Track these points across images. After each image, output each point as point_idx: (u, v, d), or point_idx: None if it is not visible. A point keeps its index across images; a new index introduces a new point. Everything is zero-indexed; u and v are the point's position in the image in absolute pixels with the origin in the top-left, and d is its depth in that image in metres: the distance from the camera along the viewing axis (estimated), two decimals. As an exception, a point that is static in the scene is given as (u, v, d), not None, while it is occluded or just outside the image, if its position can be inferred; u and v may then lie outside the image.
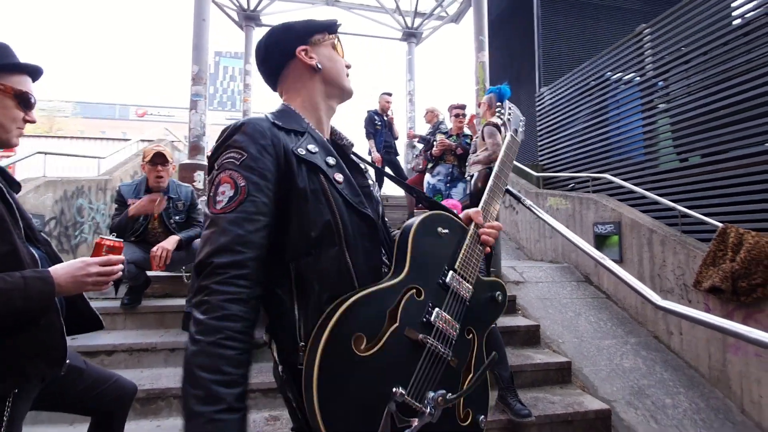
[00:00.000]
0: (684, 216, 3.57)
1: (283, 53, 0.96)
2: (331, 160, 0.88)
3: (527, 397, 2.60)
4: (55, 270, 1.04)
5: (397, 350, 0.77)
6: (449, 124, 4.60)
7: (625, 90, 5.12)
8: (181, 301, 2.97)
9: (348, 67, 1.02)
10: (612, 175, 4.81)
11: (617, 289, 3.93)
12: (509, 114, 1.31)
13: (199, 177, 3.65)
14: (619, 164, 5.01)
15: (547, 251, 5.32)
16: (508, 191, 3.80)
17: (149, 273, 2.91)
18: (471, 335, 0.91)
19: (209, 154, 0.91)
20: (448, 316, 0.85)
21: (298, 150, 0.83)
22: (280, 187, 0.80)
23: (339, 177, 0.87)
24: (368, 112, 5.68)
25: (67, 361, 1.27)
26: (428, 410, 0.75)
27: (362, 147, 5.80)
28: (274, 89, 1.02)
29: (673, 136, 4.41)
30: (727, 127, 3.67)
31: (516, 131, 1.27)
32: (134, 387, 1.55)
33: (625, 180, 4.55)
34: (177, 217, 2.95)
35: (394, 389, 0.73)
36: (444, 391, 0.78)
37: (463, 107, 4.24)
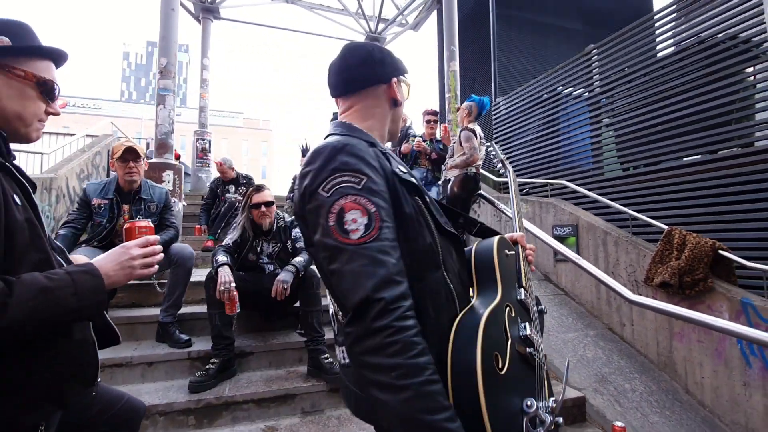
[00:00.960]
0: (633, 219, 3.98)
1: (379, 75, 0.93)
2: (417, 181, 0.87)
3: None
4: (98, 261, 0.93)
5: (518, 365, 0.80)
6: (419, 129, 4.73)
7: (574, 104, 5.59)
8: (153, 311, 2.76)
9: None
10: (564, 181, 5.22)
11: (574, 286, 4.28)
12: (496, 154, 1.91)
13: (168, 177, 3.39)
14: (570, 171, 5.45)
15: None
16: (481, 195, 3.99)
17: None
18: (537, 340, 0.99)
19: (300, 181, 0.80)
20: (534, 330, 0.90)
21: (397, 169, 0.80)
22: (394, 211, 0.76)
23: (427, 197, 0.86)
24: (332, 115, 5.64)
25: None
26: (549, 419, 0.76)
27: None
28: (338, 96, 0.97)
29: (617, 147, 4.90)
30: (664, 140, 4.17)
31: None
32: (144, 407, 1.42)
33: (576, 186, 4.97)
34: (149, 220, 2.74)
35: (528, 402, 0.75)
36: (554, 398, 0.85)
37: (435, 113, 4.38)
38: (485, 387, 0.67)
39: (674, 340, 3.19)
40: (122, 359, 2.38)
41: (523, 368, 0.82)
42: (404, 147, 4.32)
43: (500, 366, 0.74)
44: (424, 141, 4.37)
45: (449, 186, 3.72)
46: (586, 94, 5.34)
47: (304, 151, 4.81)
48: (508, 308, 0.89)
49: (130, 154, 2.56)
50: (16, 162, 1.01)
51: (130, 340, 2.62)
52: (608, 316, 3.81)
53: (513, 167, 6.74)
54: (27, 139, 1.00)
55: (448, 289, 0.81)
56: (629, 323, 3.59)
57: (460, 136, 3.68)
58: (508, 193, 5.84)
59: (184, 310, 2.80)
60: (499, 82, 7.94)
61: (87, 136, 5.08)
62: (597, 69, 5.08)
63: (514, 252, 1.06)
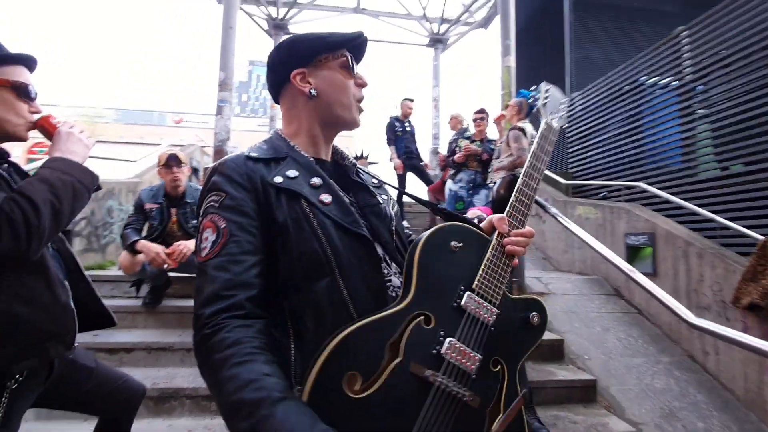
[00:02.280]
0: (723, 228, 3.34)
1: (281, 75, 0.88)
2: (316, 181, 0.81)
3: (547, 415, 2.47)
4: (54, 154, 1.06)
5: (401, 390, 0.66)
6: (474, 130, 4.53)
7: (661, 95, 4.88)
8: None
9: (361, 86, 0.91)
10: (647, 183, 4.57)
11: (649, 304, 3.71)
12: (546, 97, 1.10)
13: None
14: (654, 173, 4.76)
15: (575, 262, 5.11)
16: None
17: (171, 273, 2.98)
18: (499, 367, 0.76)
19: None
20: (463, 347, 0.72)
21: (275, 179, 0.78)
22: (263, 222, 0.76)
23: (326, 198, 0.80)
24: (390, 118, 5.68)
25: (76, 360, 1.29)
26: None
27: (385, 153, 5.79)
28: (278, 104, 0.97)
29: (714, 143, 4.15)
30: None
31: (553, 118, 1.04)
32: (143, 389, 1.53)
33: (660, 189, 4.32)
34: (194, 221, 3.01)
35: None
36: None
37: (482, 111, 4.16)
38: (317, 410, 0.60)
39: (766, 374, 2.59)
40: (166, 344, 2.64)
41: (416, 395, 0.67)
42: (457, 157, 4.17)
43: (357, 388, 0.64)
44: (473, 142, 4.17)
45: (495, 188, 3.50)
46: (675, 83, 4.62)
47: (356, 158, 4.90)
48: (420, 318, 0.74)
49: (173, 161, 2.84)
50: (15, 161, 1.16)
51: (177, 328, 2.90)
52: (689, 341, 3.22)
53: (589, 170, 6.12)
54: (19, 138, 1.12)
55: (339, 297, 0.74)
56: (713, 351, 3.00)
57: (508, 136, 3.44)
58: (581, 197, 5.31)
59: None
60: (575, 75, 7.25)
61: (171, 145, 5.81)
62: (688, 54, 4.38)
63: (463, 245, 0.81)
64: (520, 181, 0.92)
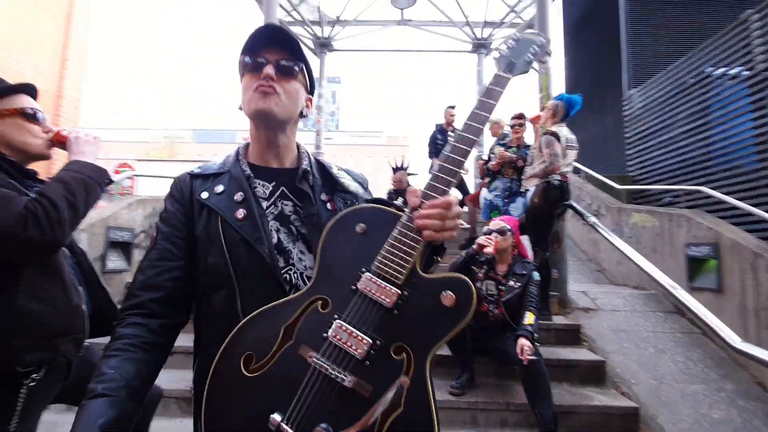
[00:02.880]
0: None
1: None
2: (238, 197, 0.86)
3: (576, 443, 2.29)
4: (69, 157, 1.25)
5: (288, 371, 0.70)
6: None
7: (730, 87, 4.34)
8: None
9: (264, 77, 0.86)
10: (714, 188, 4.08)
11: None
12: (511, 44, 0.92)
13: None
14: (723, 175, 4.23)
15: (631, 275, 4.68)
16: (570, 206, 3.45)
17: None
18: (403, 355, 0.70)
19: None
20: (352, 329, 0.71)
21: (201, 195, 0.87)
22: (189, 233, 0.86)
23: (240, 213, 0.84)
24: (434, 129, 5.58)
25: (95, 361, 1.45)
26: None
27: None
28: None
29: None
30: None
31: (512, 66, 0.88)
32: (160, 391, 1.68)
33: (728, 194, 3.83)
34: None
35: (272, 416, 0.68)
36: (325, 426, 0.66)
37: (519, 117, 3.99)
38: (209, 387, 0.71)
39: None
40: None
41: (297, 375, 0.70)
42: (491, 165, 4.04)
43: (250, 368, 0.70)
44: (509, 148, 4.01)
45: (528, 196, 3.34)
46: (746, 72, 4.09)
47: (395, 169, 4.89)
48: (318, 302, 0.75)
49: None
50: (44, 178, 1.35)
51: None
52: (758, 367, 2.81)
53: (650, 173, 5.58)
54: (43, 156, 1.30)
55: (234, 310, 0.80)
56: (790, 382, 2.58)
57: (540, 142, 3.28)
58: (640, 203, 4.89)
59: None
60: (632, 70, 6.66)
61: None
62: (759, 40, 3.86)
63: (368, 227, 0.79)
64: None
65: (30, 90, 1.27)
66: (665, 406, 2.65)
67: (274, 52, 0.88)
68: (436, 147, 5.44)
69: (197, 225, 0.85)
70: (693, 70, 4.88)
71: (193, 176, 0.91)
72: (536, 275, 2.63)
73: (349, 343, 0.70)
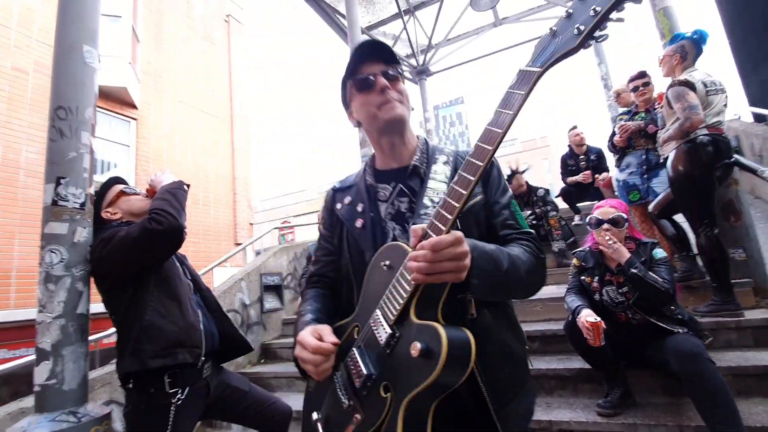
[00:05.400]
0: None
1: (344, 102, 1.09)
2: (360, 207, 1.00)
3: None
4: (161, 189, 1.62)
5: (327, 383, 0.86)
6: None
7: None
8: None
9: (381, 91, 0.94)
10: None
11: None
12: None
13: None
14: None
15: None
16: (735, 164, 2.65)
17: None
18: (388, 394, 0.72)
19: None
20: (357, 359, 0.79)
21: (336, 206, 1.07)
22: (336, 235, 1.07)
23: (359, 223, 0.98)
24: (561, 157, 4.97)
25: (231, 383, 1.74)
26: None
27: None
28: None
29: None
30: None
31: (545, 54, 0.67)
32: (289, 409, 1.89)
33: None
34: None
35: (313, 413, 0.87)
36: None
37: (642, 75, 3.30)
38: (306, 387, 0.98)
39: None
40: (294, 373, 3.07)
41: (328, 388, 0.86)
42: (616, 140, 3.43)
43: None
44: (635, 116, 3.35)
45: (669, 164, 2.70)
46: None
47: (509, 177, 4.54)
48: (356, 329, 0.87)
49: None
50: None
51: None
52: None
53: None
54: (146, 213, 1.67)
55: (351, 299, 0.97)
56: None
57: (667, 96, 2.67)
58: None
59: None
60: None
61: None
62: None
63: (390, 263, 0.81)
64: (456, 176, 0.72)
65: (118, 180, 1.72)
66: None
67: (374, 65, 0.97)
68: (567, 170, 4.82)
69: (335, 231, 1.06)
70: None
71: (335, 190, 1.12)
72: (659, 253, 2.08)
73: (353, 371, 0.79)
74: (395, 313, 0.75)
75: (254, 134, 18.35)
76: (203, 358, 1.59)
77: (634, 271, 2.02)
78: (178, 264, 1.70)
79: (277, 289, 4.31)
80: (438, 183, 0.93)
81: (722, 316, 2.45)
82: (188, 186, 1.68)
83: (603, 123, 6.34)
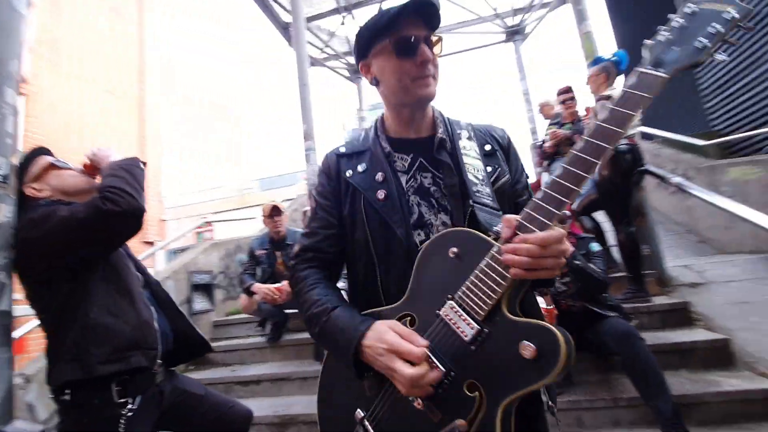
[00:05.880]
0: None
1: (358, 64, 0.97)
2: (379, 176, 0.91)
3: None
4: (105, 169, 1.37)
5: (372, 378, 0.78)
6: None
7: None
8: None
9: (421, 63, 0.85)
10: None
11: None
12: (678, 23, 0.68)
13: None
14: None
15: (744, 240, 4.03)
16: (647, 172, 3.08)
17: (287, 310, 3.30)
18: (476, 394, 0.67)
19: None
20: (429, 354, 0.71)
21: (347, 173, 0.95)
22: (340, 202, 0.95)
23: (381, 194, 0.89)
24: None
25: (186, 388, 1.53)
26: None
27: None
28: None
29: None
30: None
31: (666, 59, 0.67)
32: (249, 413, 1.71)
33: None
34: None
35: (357, 411, 0.78)
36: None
37: (567, 91, 3.70)
38: (322, 373, 0.89)
39: None
40: (285, 374, 2.91)
41: (378, 381, 0.78)
42: (546, 147, 3.77)
43: None
44: (562, 126, 3.73)
45: (596, 171, 3.03)
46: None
47: None
48: (407, 318, 0.78)
49: (275, 212, 3.23)
50: None
51: (295, 359, 3.18)
52: None
53: (737, 121, 4.84)
54: (92, 189, 1.40)
55: (373, 280, 0.88)
56: None
57: (595, 109, 3.01)
58: (734, 156, 4.27)
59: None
60: None
61: (286, 200, 6.68)
62: None
63: (461, 251, 0.75)
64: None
65: (45, 151, 1.44)
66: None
67: (418, 26, 0.86)
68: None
69: (345, 201, 0.93)
70: (770, -5, 4.23)
71: (339, 155, 0.99)
72: (595, 246, 2.35)
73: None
74: (485, 308, 0.69)
75: (180, 125, 16.72)
76: (159, 361, 1.38)
77: (576, 263, 2.23)
78: (124, 253, 1.46)
79: (207, 289, 3.95)
80: (473, 159, 0.91)
81: (637, 302, 2.82)
82: (145, 164, 1.45)
83: (523, 136, 6.97)
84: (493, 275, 0.69)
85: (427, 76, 0.86)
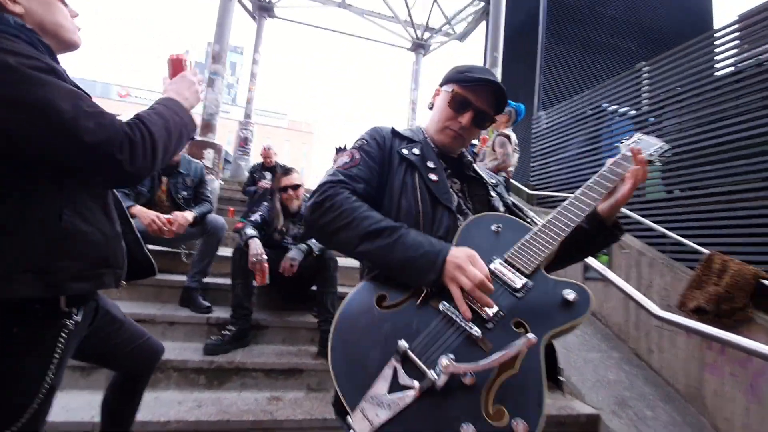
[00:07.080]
0: (675, 244, 3.78)
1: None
2: (430, 164, 1.06)
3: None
4: (171, 92, 1.09)
5: (415, 314, 0.83)
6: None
7: (619, 121, 5.41)
8: (179, 277, 2.91)
9: (458, 122, 1.07)
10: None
11: (602, 306, 4.09)
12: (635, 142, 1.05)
13: (209, 155, 3.60)
14: (609, 190, 5.24)
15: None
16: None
17: (150, 247, 2.82)
18: (522, 329, 0.79)
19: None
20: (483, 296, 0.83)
21: (402, 150, 1.08)
22: (381, 171, 1.06)
23: (434, 177, 1.04)
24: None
25: (110, 310, 1.26)
26: (431, 372, 0.73)
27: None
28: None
29: (661, 168, 4.68)
30: (714, 164, 3.95)
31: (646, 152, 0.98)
32: (162, 348, 1.51)
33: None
34: (185, 192, 2.90)
35: (400, 342, 0.78)
36: (453, 356, 0.75)
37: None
38: (344, 308, 0.87)
39: (705, 371, 2.99)
40: (147, 316, 2.52)
41: (426, 319, 0.82)
42: None
43: (383, 305, 0.86)
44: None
45: (478, 189, 3.70)
46: (633, 112, 5.15)
47: (338, 150, 4.91)
48: None
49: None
50: None
51: (155, 302, 2.77)
52: (635, 341, 3.61)
53: (548, 183, 6.59)
54: (74, 45, 1.06)
55: None
56: (657, 350, 3.39)
57: (494, 141, 3.66)
58: (543, 207, 5.62)
59: (208, 280, 2.92)
60: (543, 96, 7.81)
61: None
62: (647, 87, 4.91)
63: (504, 228, 0.94)
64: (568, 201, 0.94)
65: None
66: (575, 369, 3.24)
67: (483, 98, 1.06)
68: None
69: (396, 171, 1.05)
70: (592, 103, 5.91)
71: (393, 133, 1.12)
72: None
73: (478, 305, 0.81)
74: (534, 264, 0.85)
75: None
76: (123, 283, 1.13)
77: None
78: None
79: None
80: (488, 179, 1.24)
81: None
82: (192, 138, 1.18)
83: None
84: (540, 241, 0.88)
85: (460, 135, 1.09)
